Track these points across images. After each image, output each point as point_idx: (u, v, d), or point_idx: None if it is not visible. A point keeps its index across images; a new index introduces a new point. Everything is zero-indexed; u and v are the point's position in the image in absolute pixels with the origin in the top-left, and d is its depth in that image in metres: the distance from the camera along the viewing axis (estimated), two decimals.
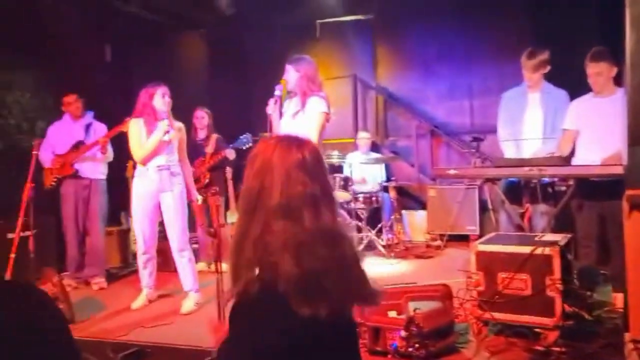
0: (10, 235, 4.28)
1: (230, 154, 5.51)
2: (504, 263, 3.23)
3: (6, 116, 5.62)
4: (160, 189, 4.23)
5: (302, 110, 3.90)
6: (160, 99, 4.21)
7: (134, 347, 3.25)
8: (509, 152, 4.22)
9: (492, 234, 3.85)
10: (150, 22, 6.83)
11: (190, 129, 5.69)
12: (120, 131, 4.58)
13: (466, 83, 7.73)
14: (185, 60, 7.89)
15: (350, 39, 8.11)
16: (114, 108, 5.52)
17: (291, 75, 3.93)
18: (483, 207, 6.41)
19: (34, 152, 3.79)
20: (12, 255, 3.62)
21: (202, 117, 5.77)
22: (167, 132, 4.16)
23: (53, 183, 4.99)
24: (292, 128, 3.85)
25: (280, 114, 4.03)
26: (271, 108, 3.95)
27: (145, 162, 4.23)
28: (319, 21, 8.08)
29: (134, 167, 5.25)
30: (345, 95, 7.95)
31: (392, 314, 3.13)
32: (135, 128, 4.26)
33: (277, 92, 3.99)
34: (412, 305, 3.07)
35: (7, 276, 3.56)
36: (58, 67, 5.93)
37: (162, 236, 4.50)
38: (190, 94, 6.83)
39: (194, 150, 5.38)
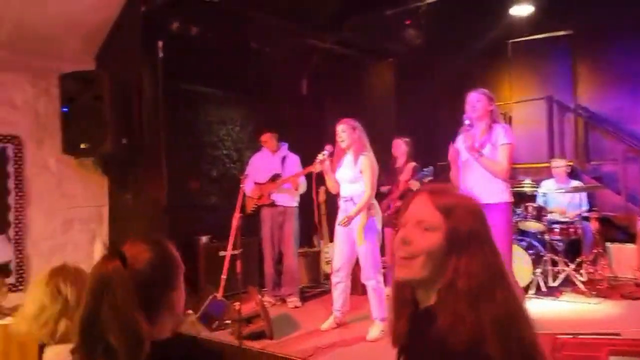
0: (222, 253, 4.83)
1: (414, 185, 5.38)
2: None
3: (220, 147, 6.46)
4: None
5: (489, 142, 3.83)
6: (338, 136, 4.46)
7: None
8: None
9: None
10: (342, 56, 7.22)
11: (389, 157, 5.84)
12: (309, 172, 4.87)
13: None
14: (374, 90, 8.14)
15: (545, 58, 7.67)
16: (308, 140, 5.95)
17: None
18: None
19: (241, 186, 4.20)
20: (224, 277, 4.08)
21: (399, 146, 5.86)
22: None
23: (253, 209, 5.55)
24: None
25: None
26: (461, 140, 3.96)
27: (332, 190, 4.63)
28: (510, 41, 7.77)
29: (326, 194, 5.60)
30: (540, 118, 7.51)
31: None
32: None
33: (466, 122, 3.91)
34: None
35: (220, 294, 4.04)
36: (261, 102, 6.63)
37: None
38: (380, 122, 7.04)
39: (389, 178, 5.55)
